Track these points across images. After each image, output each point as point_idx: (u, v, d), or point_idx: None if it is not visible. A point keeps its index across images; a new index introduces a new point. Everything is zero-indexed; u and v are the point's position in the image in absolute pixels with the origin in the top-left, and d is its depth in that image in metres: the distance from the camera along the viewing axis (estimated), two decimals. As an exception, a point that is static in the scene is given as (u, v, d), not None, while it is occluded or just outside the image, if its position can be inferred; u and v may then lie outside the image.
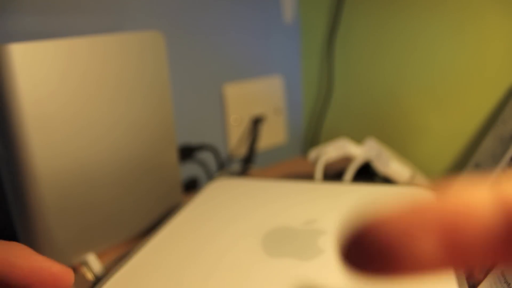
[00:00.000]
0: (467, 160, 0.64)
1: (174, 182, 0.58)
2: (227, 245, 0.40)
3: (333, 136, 0.82)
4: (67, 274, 0.17)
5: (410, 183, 0.59)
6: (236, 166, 0.78)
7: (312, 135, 0.87)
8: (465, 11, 0.61)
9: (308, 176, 0.71)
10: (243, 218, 0.44)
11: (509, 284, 0.31)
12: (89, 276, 0.46)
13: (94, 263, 0.47)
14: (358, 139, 0.77)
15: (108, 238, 0.51)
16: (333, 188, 0.52)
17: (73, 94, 0.45)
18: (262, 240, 0.40)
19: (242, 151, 0.78)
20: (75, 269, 0.47)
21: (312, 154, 0.65)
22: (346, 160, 0.65)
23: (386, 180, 0.61)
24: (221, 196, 0.50)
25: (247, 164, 0.75)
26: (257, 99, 0.78)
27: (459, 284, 0.32)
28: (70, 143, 0.46)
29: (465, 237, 0.10)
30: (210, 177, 0.73)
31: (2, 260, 0.16)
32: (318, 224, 0.43)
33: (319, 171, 0.62)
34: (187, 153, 0.69)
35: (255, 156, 0.78)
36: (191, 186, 0.71)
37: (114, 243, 0.52)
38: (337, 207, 0.46)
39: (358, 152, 0.62)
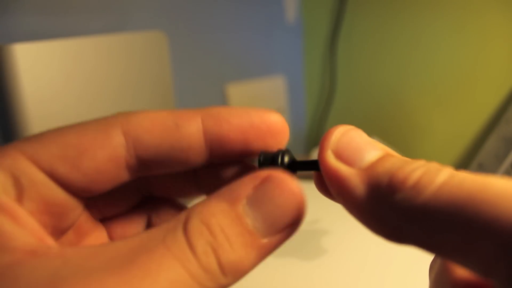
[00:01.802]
0: (471, 160, 0.64)
1: (177, 182, 0.58)
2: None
3: (336, 136, 0.82)
4: (282, 123, 0.18)
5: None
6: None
7: (315, 135, 0.87)
8: (467, 10, 0.61)
9: (311, 176, 0.71)
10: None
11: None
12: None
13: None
14: (361, 139, 0.77)
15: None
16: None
17: (76, 93, 0.45)
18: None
19: (245, 151, 0.78)
20: None
21: (315, 154, 0.65)
22: (349, 160, 0.65)
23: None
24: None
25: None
26: (259, 99, 0.78)
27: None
28: (73, 143, 0.46)
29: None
30: (213, 177, 0.73)
31: (205, 116, 0.17)
32: (321, 224, 0.43)
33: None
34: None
35: (258, 156, 0.78)
36: (194, 186, 0.71)
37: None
38: (340, 207, 0.46)
39: (361, 152, 0.62)
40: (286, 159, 0.17)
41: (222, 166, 0.19)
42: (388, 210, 0.14)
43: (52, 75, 0.43)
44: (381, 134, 0.74)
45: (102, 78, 0.47)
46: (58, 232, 0.17)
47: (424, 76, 0.68)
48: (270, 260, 0.37)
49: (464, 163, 0.65)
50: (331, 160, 0.15)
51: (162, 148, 0.17)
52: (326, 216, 0.44)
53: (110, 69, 0.48)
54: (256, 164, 0.18)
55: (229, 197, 0.15)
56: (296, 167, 0.18)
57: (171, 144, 0.17)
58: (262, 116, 0.17)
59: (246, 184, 0.15)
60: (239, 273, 0.15)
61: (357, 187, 0.14)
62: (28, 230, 0.14)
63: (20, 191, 0.15)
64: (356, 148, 0.15)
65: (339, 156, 0.15)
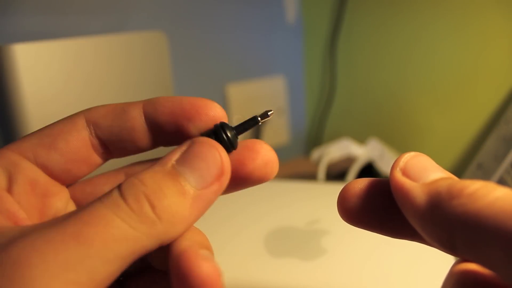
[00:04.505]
0: (470, 160, 0.64)
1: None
2: (229, 245, 0.40)
3: (336, 136, 0.82)
4: (209, 104, 0.20)
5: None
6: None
7: (315, 135, 0.87)
8: (467, 10, 0.61)
9: (311, 176, 0.71)
10: (246, 218, 0.44)
11: None
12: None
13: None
14: (361, 139, 0.77)
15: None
16: (336, 188, 0.52)
17: (76, 93, 0.45)
18: (264, 239, 0.40)
19: (245, 151, 0.78)
20: None
21: (315, 154, 0.65)
22: (349, 160, 0.65)
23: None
24: (224, 196, 0.50)
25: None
26: (260, 99, 0.78)
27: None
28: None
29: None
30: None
31: (146, 103, 0.20)
32: (321, 224, 0.43)
33: (322, 171, 0.62)
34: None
35: (257, 156, 0.78)
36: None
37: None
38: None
39: (361, 152, 0.62)
40: (226, 130, 0.19)
41: None
42: (444, 215, 0.15)
43: (52, 75, 0.44)
44: (381, 134, 0.74)
45: (102, 78, 0.47)
46: (46, 219, 0.19)
47: (423, 76, 0.68)
48: (270, 260, 0.37)
49: (463, 163, 0.65)
50: (398, 175, 0.17)
51: (114, 129, 0.20)
52: (326, 216, 0.44)
53: (110, 69, 0.48)
54: None
55: (160, 162, 0.17)
56: (238, 130, 0.20)
57: (119, 126, 0.20)
58: (192, 101, 0.20)
59: (175, 151, 0.17)
60: (175, 219, 0.16)
61: (418, 196, 0.16)
62: (5, 215, 0.17)
63: (9, 178, 0.18)
64: (422, 168, 0.17)
65: (405, 173, 0.17)
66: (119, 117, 0.20)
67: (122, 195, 0.16)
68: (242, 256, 0.38)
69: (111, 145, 0.20)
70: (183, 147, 0.18)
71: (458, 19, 0.62)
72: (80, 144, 0.19)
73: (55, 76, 0.44)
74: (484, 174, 0.54)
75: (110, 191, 0.16)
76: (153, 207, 0.16)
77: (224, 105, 0.74)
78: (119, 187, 0.16)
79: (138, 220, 0.15)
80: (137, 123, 0.20)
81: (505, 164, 0.50)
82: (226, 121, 0.20)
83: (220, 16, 0.71)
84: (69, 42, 0.44)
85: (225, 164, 0.17)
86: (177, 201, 0.16)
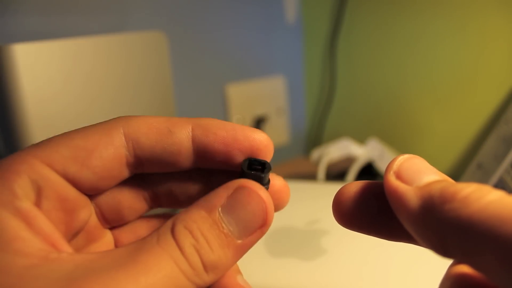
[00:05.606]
0: (470, 160, 0.64)
1: (176, 182, 0.58)
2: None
3: (335, 136, 0.82)
4: (266, 141, 0.20)
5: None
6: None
7: (315, 135, 0.87)
8: (467, 11, 0.61)
9: (310, 176, 0.71)
10: (245, 218, 0.44)
11: None
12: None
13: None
14: (361, 139, 0.77)
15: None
16: (335, 188, 0.52)
17: (76, 93, 0.45)
18: (264, 239, 0.40)
19: (245, 151, 0.78)
20: None
21: (315, 154, 0.65)
22: (349, 160, 0.65)
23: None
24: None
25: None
26: (259, 99, 0.78)
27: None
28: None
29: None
30: (213, 177, 0.73)
31: (195, 126, 0.19)
32: (321, 224, 0.43)
33: (321, 171, 0.62)
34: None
35: (257, 156, 0.78)
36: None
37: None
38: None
39: (361, 152, 0.62)
40: (267, 174, 0.20)
41: (213, 172, 0.22)
42: (437, 220, 0.15)
43: (52, 75, 0.43)
44: (380, 134, 0.74)
45: (101, 78, 0.47)
46: (70, 232, 0.19)
47: (423, 76, 0.68)
48: (270, 260, 0.37)
49: (463, 163, 0.65)
50: (392, 178, 0.17)
51: (156, 150, 0.19)
52: (326, 216, 0.44)
53: (110, 69, 0.48)
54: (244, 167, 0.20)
55: (207, 205, 0.17)
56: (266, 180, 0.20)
57: (163, 147, 0.19)
58: (246, 133, 0.20)
59: (221, 194, 0.18)
60: (219, 270, 0.17)
61: (412, 200, 0.16)
62: (41, 236, 0.16)
63: (38, 192, 0.17)
64: (416, 171, 0.17)
65: (399, 176, 0.17)
66: (164, 138, 0.19)
67: (178, 244, 0.16)
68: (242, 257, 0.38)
69: (148, 163, 0.20)
70: (229, 190, 0.18)
71: (458, 19, 0.62)
72: (115, 162, 0.19)
73: (54, 76, 0.44)
74: (484, 174, 0.54)
75: (164, 234, 0.16)
76: (202, 261, 0.16)
77: (224, 105, 0.74)
78: (172, 232, 0.16)
79: (192, 272, 0.16)
80: (184, 147, 0.19)
81: (505, 164, 0.50)
82: (272, 149, 0.20)
83: (220, 16, 0.71)
84: (69, 42, 0.44)
85: (269, 215, 0.18)
86: (222, 254, 0.17)
